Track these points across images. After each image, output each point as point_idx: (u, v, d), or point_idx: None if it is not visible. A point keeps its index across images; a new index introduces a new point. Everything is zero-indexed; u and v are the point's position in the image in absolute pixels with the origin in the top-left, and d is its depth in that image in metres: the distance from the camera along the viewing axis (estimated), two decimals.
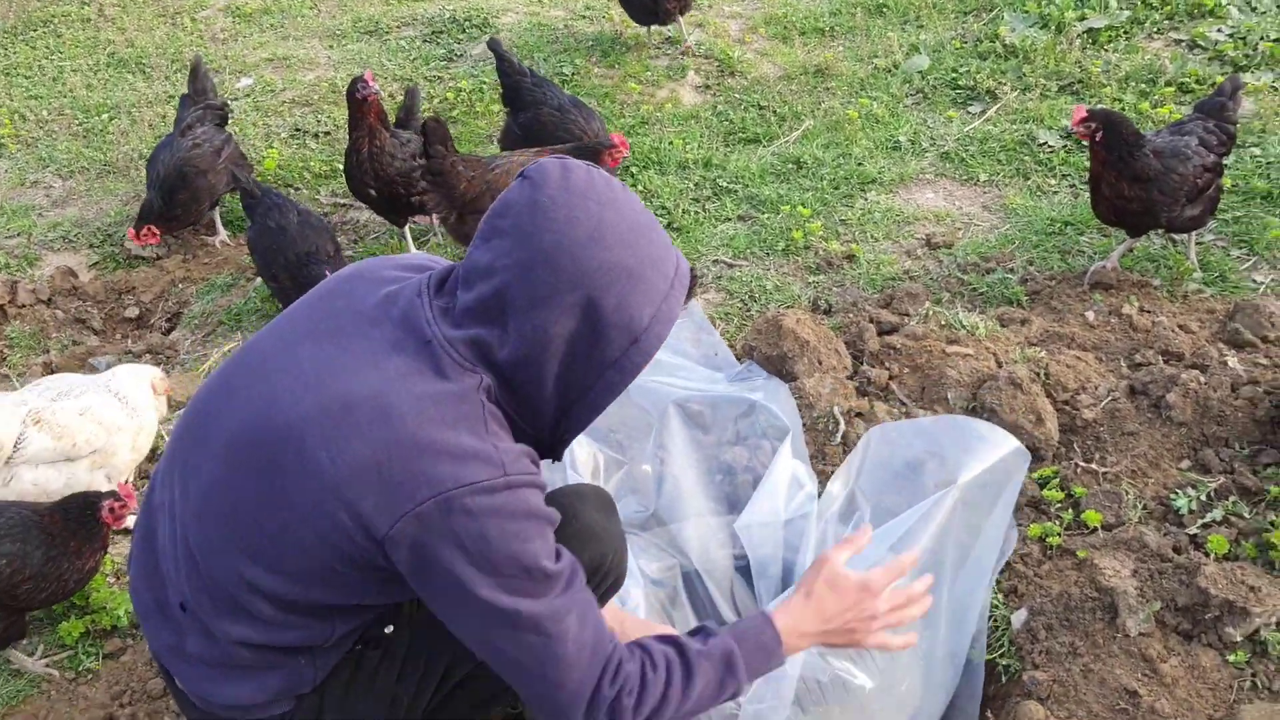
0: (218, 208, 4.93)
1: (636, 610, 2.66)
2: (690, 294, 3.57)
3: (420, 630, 2.01)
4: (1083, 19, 5.84)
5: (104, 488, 3.15)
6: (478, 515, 1.65)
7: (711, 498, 3.13)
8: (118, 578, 3.17)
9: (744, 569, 2.91)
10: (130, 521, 2.92)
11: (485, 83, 5.88)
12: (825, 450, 3.21)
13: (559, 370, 1.75)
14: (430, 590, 1.72)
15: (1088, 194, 4.15)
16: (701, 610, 2.94)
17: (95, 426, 3.20)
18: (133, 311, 4.63)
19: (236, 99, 5.89)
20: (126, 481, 3.26)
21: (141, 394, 3.37)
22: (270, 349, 1.84)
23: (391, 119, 4.60)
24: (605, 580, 2.17)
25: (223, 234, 4.93)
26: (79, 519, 2.83)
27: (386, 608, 1.97)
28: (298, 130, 5.69)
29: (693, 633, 1.93)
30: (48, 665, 2.92)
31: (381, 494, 1.65)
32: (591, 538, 2.10)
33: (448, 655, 2.02)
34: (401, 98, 4.98)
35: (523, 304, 1.70)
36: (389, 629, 2.00)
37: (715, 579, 2.89)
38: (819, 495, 2.92)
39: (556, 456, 1.92)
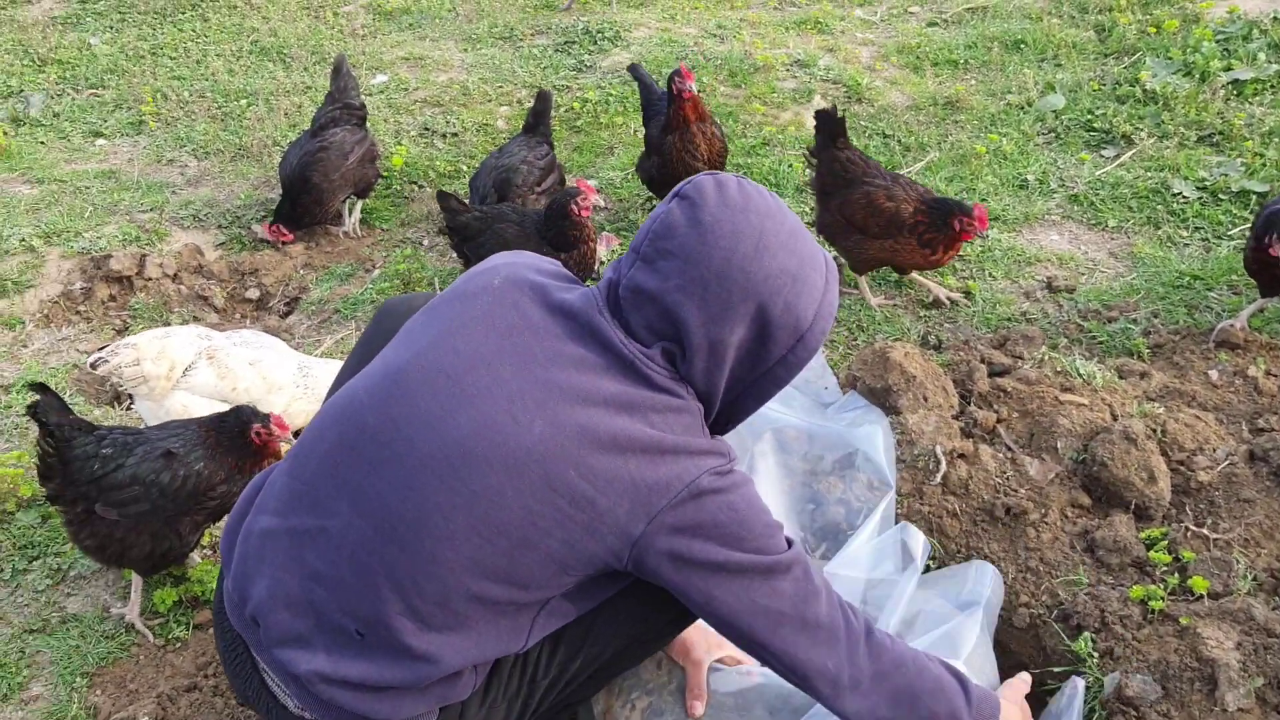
0: (358, 200, 5.06)
1: None
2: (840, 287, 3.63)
3: (554, 634, 2.03)
4: (1228, 69, 5.64)
5: None
6: (724, 491, 1.82)
7: (799, 525, 3.09)
8: (214, 549, 3.26)
9: None
10: (284, 447, 2.98)
11: (611, 95, 5.92)
12: (923, 489, 3.14)
13: (730, 370, 1.87)
14: (688, 578, 1.82)
15: (1220, 248, 4.02)
16: None
17: (259, 379, 3.41)
18: (254, 293, 4.77)
19: (370, 95, 6.04)
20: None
21: (324, 376, 3.49)
22: (458, 369, 1.84)
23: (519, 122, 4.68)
24: None
25: (348, 224, 5.06)
26: (232, 436, 2.95)
27: None
28: (426, 129, 5.81)
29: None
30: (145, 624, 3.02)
31: (635, 499, 1.77)
32: None
33: (579, 658, 2.06)
34: (531, 102, 5.04)
35: (699, 322, 1.80)
36: None
37: None
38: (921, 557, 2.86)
39: None
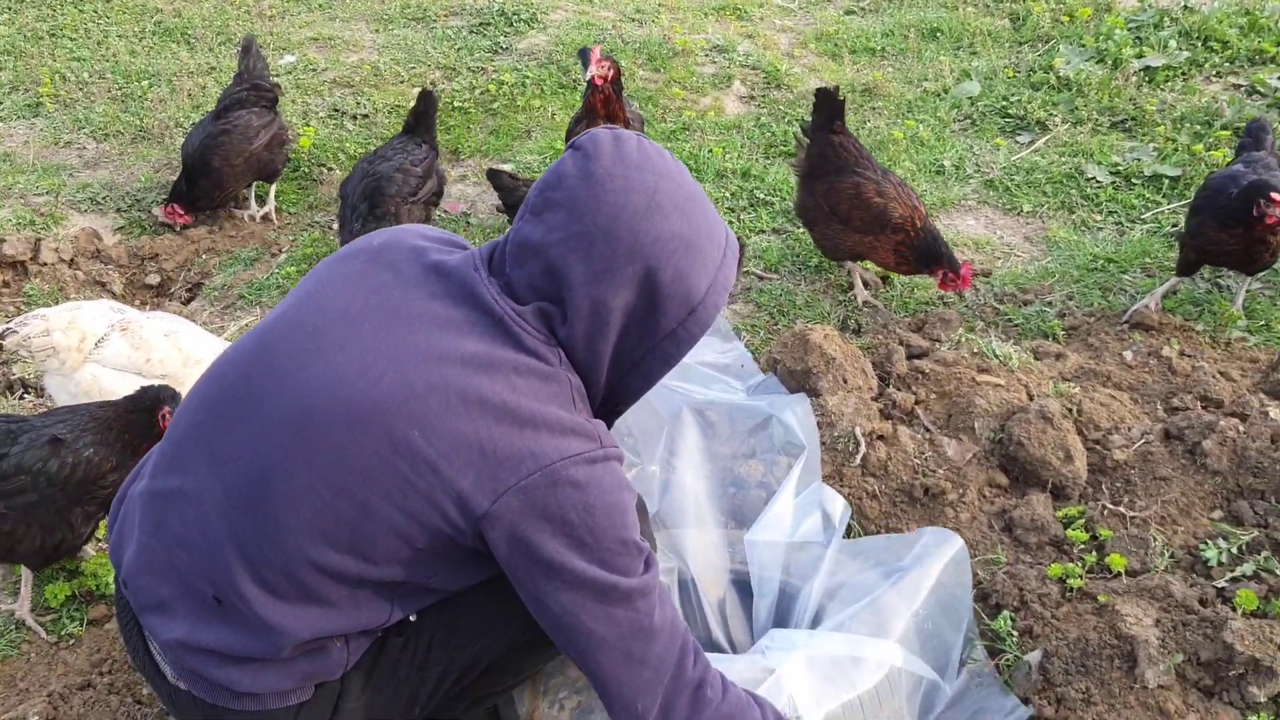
0: (270, 184, 4.89)
1: None
2: (739, 265, 3.53)
3: (446, 621, 1.94)
4: (1140, 56, 5.72)
5: None
6: (583, 487, 1.65)
7: (720, 510, 3.03)
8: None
9: (739, 583, 2.81)
10: None
11: (528, 77, 5.81)
12: (843, 471, 3.10)
13: (615, 342, 1.74)
14: (523, 568, 1.66)
15: (1133, 231, 4.04)
16: (690, 619, 2.85)
17: (175, 351, 3.25)
18: (154, 279, 4.58)
19: (278, 75, 5.84)
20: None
21: None
22: (319, 325, 1.75)
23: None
24: None
25: (254, 208, 4.88)
26: (140, 416, 2.82)
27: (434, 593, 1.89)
28: (336, 111, 5.64)
29: None
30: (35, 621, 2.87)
31: (483, 470, 1.62)
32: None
33: (471, 648, 1.95)
34: (441, 85, 4.88)
35: (582, 279, 1.68)
36: (412, 617, 1.91)
37: (709, 590, 2.80)
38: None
39: (608, 427, 1.87)
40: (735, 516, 3.01)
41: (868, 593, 2.57)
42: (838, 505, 2.87)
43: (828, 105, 4.01)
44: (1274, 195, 3.45)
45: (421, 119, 4.51)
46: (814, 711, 2.24)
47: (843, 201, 3.90)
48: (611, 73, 4.17)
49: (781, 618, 2.77)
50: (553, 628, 1.72)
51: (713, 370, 3.38)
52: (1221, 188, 3.70)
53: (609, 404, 1.85)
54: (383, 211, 4.09)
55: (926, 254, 3.80)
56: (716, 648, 2.88)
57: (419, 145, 4.42)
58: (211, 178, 4.62)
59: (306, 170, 5.17)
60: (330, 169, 5.18)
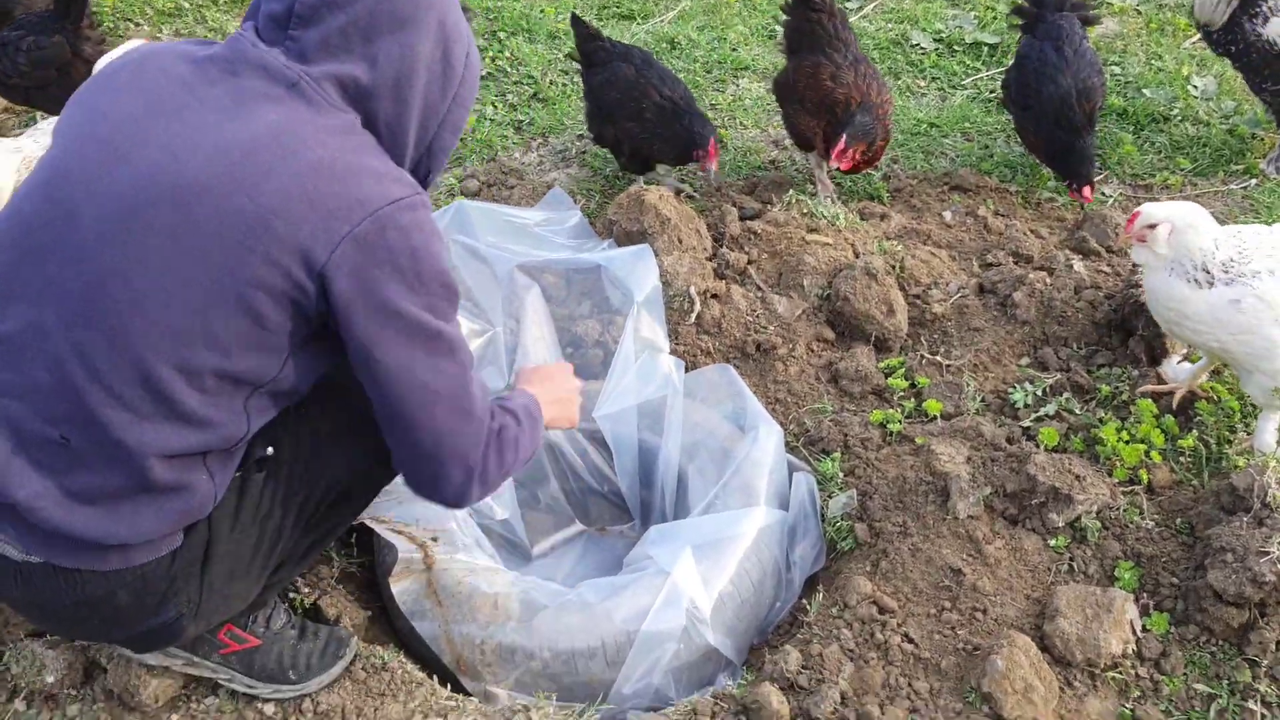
0: None
1: None
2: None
3: (303, 451, 1.93)
4: None
5: None
6: (408, 231, 1.69)
7: None
8: None
9: (598, 441, 2.90)
10: None
11: None
12: (679, 330, 3.18)
13: (422, 94, 1.80)
14: (361, 321, 1.69)
15: (954, 97, 4.17)
16: (563, 477, 2.96)
17: None
18: None
19: None
20: None
21: None
22: (110, 134, 1.68)
23: None
24: None
25: None
26: None
27: (274, 424, 1.86)
28: None
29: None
30: None
31: (316, 222, 1.64)
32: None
33: (327, 473, 1.96)
34: None
35: (388, 26, 1.73)
36: (270, 450, 1.89)
37: (570, 447, 2.92)
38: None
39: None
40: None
41: (723, 452, 2.72)
42: (672, 364, 2.95)
43: None
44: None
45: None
46: (707, 593, 2.38)
47: (801, 79, 3.79)
48: None
49: (646, 474, 2.87)
50: (388, 394, 1.75)
51: (551, 233, 3.39)
52: (1038, 84, 3.79)
53: (422, 169, 1.91)
54: None
55: (836, 131, 3.63)
56: (595, 495, 2.98)
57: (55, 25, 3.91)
58: None
59: (110, 26, 4.85)
60: (138, 24, 4.88)
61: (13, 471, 1.68)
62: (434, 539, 2.46)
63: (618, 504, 3.00)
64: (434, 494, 1.88)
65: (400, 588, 2.40)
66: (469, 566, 2.43)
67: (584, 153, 4.18)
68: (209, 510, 1.80)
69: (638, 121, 3.70)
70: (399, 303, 1.69)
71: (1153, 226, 2.56)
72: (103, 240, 1.63)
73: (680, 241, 3.35)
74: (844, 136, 3.53)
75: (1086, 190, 3.70)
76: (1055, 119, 3.71)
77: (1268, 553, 2.22)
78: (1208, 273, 2.52)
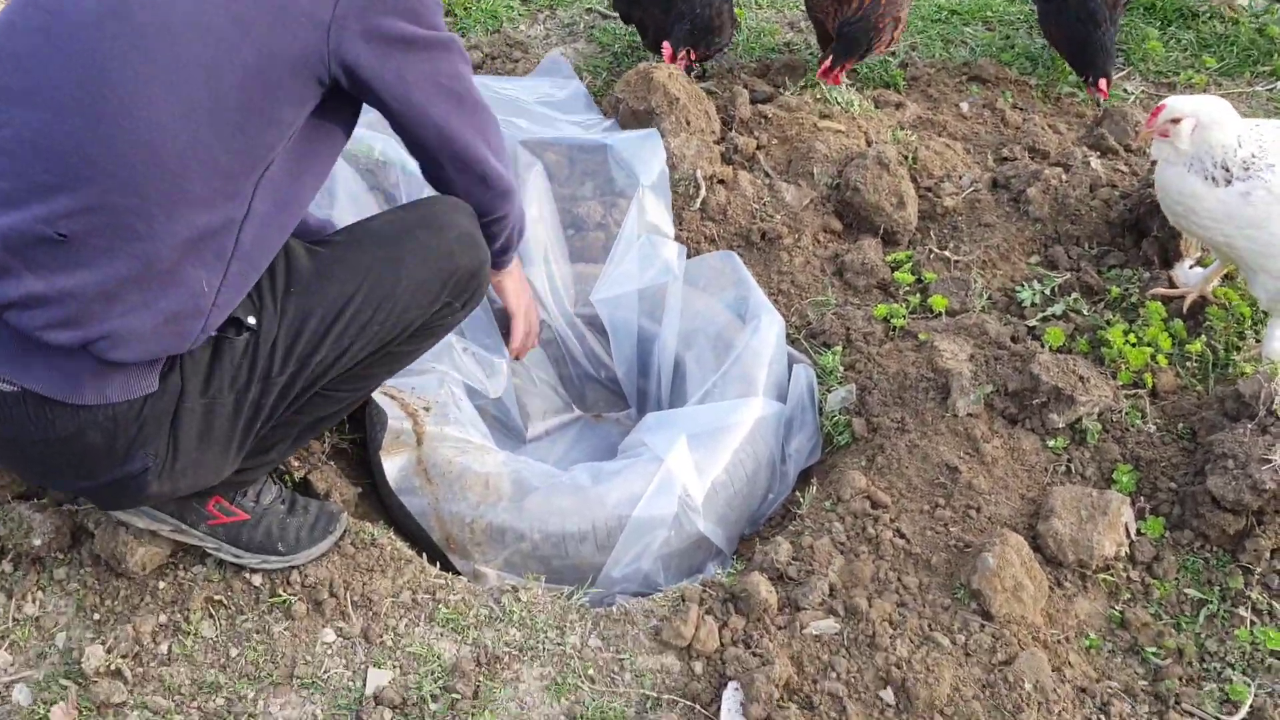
0: None
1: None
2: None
3: (287, 329, 1.86)
4: None
5: None
6: None
7: (561, 256, 3.02)
8: None
9: (592, 321, 2.86)
10: None
11: None
12: (682, 215, 3.10)
13: None
14: (378, 58, 1.75)
15: None
16: (561, 362, 2.97)
17: None
18: None
19: None
20: None
21: None
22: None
23: None
24: (479, 291, 2.12)
25: None
26: None
27: (260, 296, 1.83)
28: None
29: None
30: None
31: None
32: (473, 244, 2.05)
33: (310, 365, 1.89)
34: None
35: None
36: (251, 319, 1.83)
37: (569, 332, 2.88)
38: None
39: None
40: (578, 260, 3.00)
41: (723, 341, 2.68)
42: (675, 250, 2.89)
43: None
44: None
45: None
46: (700, 481, 2.36)
47: None
48: None
49: (643, 361, 2.84)
50: (420, 113, 1.86)
51: (555, 111, 3.29)
52: None
53: None
54: None
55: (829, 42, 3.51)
56: (592, 381, 2.95)
57: None
58: None
59: None
60: None
61: (8, 277, 1.63)
62: (426, 409, 2.44)
63: (614, 391, 2.97)
64: (485, 192, 2.03)
65: (391, 463, 2.38)
66: (460, 446, 2.40)
67: (592, 27, 4.05)
68: (194, 332, 1.74)
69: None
70: (410, 33, 1.78)
71: (1177, 120, 2.47)
72: (95, 31, 1.59)
73: (688, 123, 3.26)
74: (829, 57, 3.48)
75: (1103, 83, 3.58)
76: (1078, 11, 3.57)
77: (1270, 460, 2.19)
78: (1227, 170, 2.44)
